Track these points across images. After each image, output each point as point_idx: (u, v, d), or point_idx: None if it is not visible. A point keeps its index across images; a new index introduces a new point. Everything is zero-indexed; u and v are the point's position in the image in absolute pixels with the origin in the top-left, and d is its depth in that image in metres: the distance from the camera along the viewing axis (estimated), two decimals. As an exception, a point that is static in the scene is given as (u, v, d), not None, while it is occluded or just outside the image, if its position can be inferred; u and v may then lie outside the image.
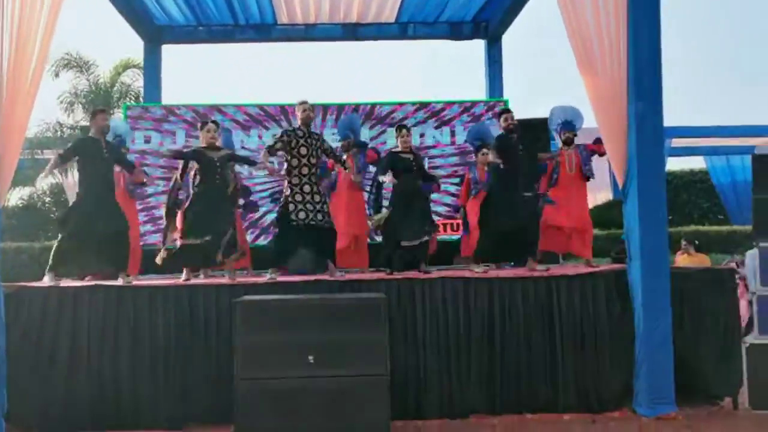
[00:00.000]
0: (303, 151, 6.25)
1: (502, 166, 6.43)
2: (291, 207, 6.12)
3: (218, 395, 5.03)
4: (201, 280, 6.08)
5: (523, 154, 6.43)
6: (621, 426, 5.01)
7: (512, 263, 7.20)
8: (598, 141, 6.98)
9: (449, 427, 5.09)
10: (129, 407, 5.13)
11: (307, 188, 6.19)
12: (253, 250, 7.95)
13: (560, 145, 7.23)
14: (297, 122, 6.44)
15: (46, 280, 5.67)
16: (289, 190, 6.21)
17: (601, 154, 7.04)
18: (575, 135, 7.17)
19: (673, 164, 17.26)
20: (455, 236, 8.76)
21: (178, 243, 6.11)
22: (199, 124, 6.57)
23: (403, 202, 6.47)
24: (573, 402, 5.30)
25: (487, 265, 6.29)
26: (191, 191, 6.35)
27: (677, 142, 12.69)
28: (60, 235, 5.90)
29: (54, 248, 5.87)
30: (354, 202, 7.38)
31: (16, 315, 5.16)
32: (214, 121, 6.49)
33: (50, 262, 5.80)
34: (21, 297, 5.24)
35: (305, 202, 6.14)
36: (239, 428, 4.39)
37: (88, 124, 10.24)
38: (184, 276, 5.96)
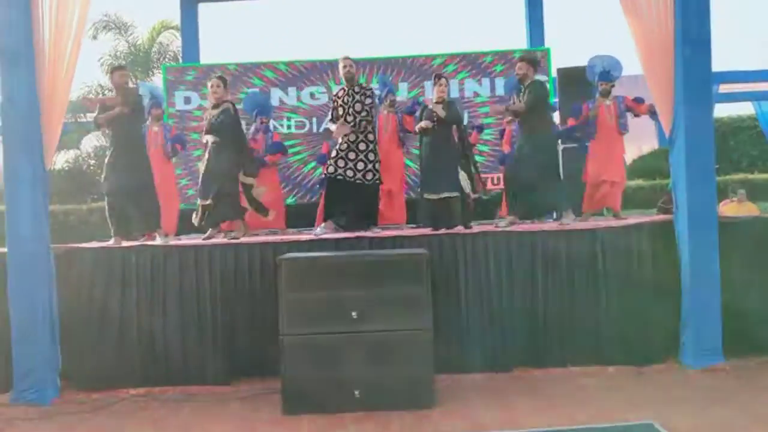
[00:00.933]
0: (340, 111, 6.33)
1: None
2: (330, 167, 6.24)
3: (265, 351, 5.13)
4: (245, 238, 6.14)
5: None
6: (667, 377, 4.97)
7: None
8: (637, 100, 6.84)
9: (493, 380, 5.11)
10: (178, 364, 5.26)
11: (344, 146, 6.25)
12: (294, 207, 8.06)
13: (597, 95, 7.07)
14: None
15: (111, 243, 5.89)
16: (332, 150, 6.30)
17: (637, 114, 6.92)
18: (613, 85, 7.00)
19: (721, 110, 16.81)
20: (497, 190, 8.68)
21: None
22: None
23: (431, 153, 6.28)
24: (618, 354, 5.26)
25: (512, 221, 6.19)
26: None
27: (724, 88, 12.27)
28: (105, 198, 6.10)
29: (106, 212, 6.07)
30: (390, 157, 7.38)
31: (67, 276, 5.28)
32: (220, 77, 6.41)
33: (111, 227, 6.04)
34: (71, 258, 5.37)
35: (338, 158, 6.22)
36: (286, 382, 4.47)
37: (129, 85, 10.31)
38: (205, 235, 6.06)
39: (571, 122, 7.12)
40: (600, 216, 7.47)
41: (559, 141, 7.27)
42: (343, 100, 6.32)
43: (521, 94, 6.19)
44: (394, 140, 7.57)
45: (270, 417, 4.48)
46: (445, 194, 6.07)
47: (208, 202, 6.08)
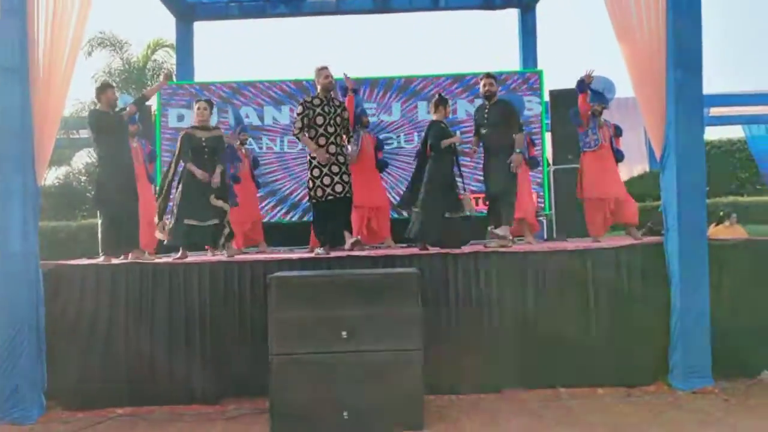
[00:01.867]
0: (319, 120, 6.28)
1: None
2: (310, 184, 6.28)
3: (254, 370, 5.09)
4: (236, 257, 6.12)
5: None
6: (656, 400, 4.96)
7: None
8: (617, 131, 6.95)
9: (482, 401, 5.09)
10: (165, 383, 5.21)
11: (323, 161, 6.24)
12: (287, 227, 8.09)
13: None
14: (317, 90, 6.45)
15: (100, 261, 5.89)
16: (309, 164, 6.31)
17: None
18: (604, 107, 7.05)
19: (711, 133, 16.93)
20: (485, 211, 8.70)
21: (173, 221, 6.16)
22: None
23: (446, 173, 6.33)
24: (607, 376, 5.25)
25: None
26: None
27: (715, 111, 12.38)
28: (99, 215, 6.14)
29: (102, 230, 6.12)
30: (374, 175, 7.49)
31: (55, 292, 5.24)
32: (207, 100, 6.53)
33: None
34: (59, 275, 5.33)
35: (322, 177, 6.23)
36: (275, 402, 4.44)
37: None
38: (179, 255, 6.06)
39: (581, 129, 7.09)
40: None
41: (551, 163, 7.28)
42: (322, 109, 6.29)
43: (485, 111, 6.38)
44: (373, 160, 7.63)
45: (258, 437, 4.45)
46: (464, 213, 6.27)
47: (197, 223, 6.05)
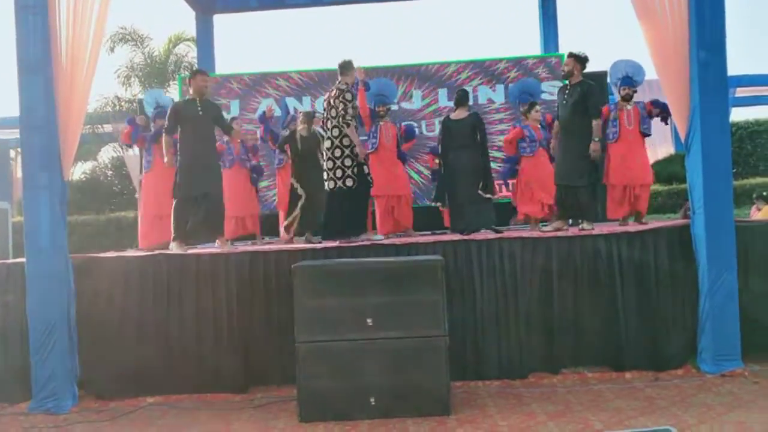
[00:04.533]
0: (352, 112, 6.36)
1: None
2: (324, 175, 6.43)
3: (281, 359, 5.16)
4: (260, 246, 6.18)
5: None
6: (685, 383, 4.93)
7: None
8: (655, 103, 6.83)
9: (509, 387, 5.09)
10: (194, 372, 5.29)
11: (337, 152, 6.33)
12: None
13: (618, 99, 7.05)
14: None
15: (173, 248, 5.89)
16: (341, 152, 6.36)
17: (652, 116, 6.90)
18: (635, 91, 6.98)
19: (737, 114, 16.68)
20: (509, 198, 8.70)
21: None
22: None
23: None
24: (635, 360, 5.24)
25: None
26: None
27: (741, 91, 12.21)
28: (174, 201, 6.07)
29: (173, 218, 6.05)
30: (396, 164, 7.50)
31: (85, 285, 5.34)
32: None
33: (173, 232, 6.01)
34: (89, 267, 5.42)
35: (335, 168, 6.31)
36: (301, 390, 4.48)
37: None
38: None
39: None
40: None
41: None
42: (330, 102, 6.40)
43: (565, 93, 6.21)
44: (394, 150, 7.58)
45: (286, 424, 4.49)
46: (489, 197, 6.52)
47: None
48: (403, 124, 8.39)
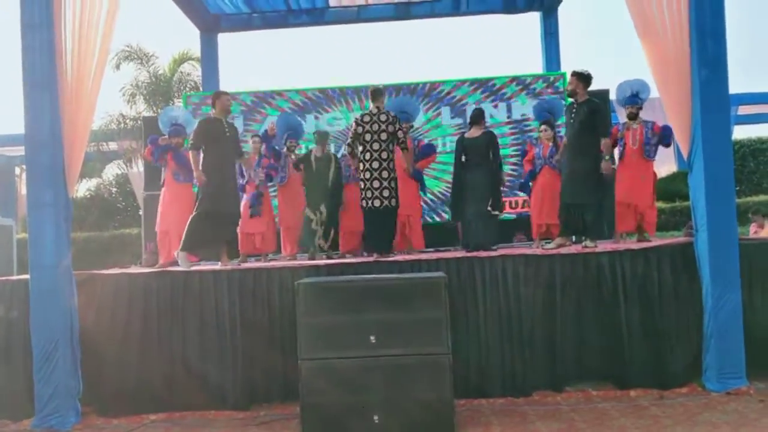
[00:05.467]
0: (367, 137, 6.55)
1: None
2: (360, 194, 6.60)
3: (284, 376, 5.16)
4: (263, 263, 6.20)
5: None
6: (690, 401, 4.90)
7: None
8: (664, 128, 6.83)
9: (513, 405, 5.07)
10: (198, 389, 5.28)
11: (367, 174, 6.53)
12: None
13: (623, 119, 7.10)
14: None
15: (179, 259, 5.96)
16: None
17: (660, 140, 6.92)
18: (639, 108, 7.02)
19: (740, 132, 16.70)
20: (513, 215, 8.74)
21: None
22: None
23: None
24: (639, 378, 5.21)
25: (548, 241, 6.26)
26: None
27: (744, 110, 12.23)
28: (194, 214, 6.14)
29: (187, 229, 6.10)
30: (407, 184, 7.43)
31: (88, 302, 5.34)
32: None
33: (183, 242, 6.07)
34: (92, 284, 5.43)
35: (366, 189, 6.51)
36: (305, 407, 4.47)
37: (150, 114, 10.44)
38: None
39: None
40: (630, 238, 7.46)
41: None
42: (370, 126, 6.56)
43: (572, 112, 6.22)
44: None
45: (289, 442, 4.48)
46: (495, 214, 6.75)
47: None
48: (422, 140, 8.39)
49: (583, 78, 6.19)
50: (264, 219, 7.55)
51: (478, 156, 6.75)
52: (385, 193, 6.53)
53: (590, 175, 6.00)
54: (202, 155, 6.18)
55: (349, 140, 6.80)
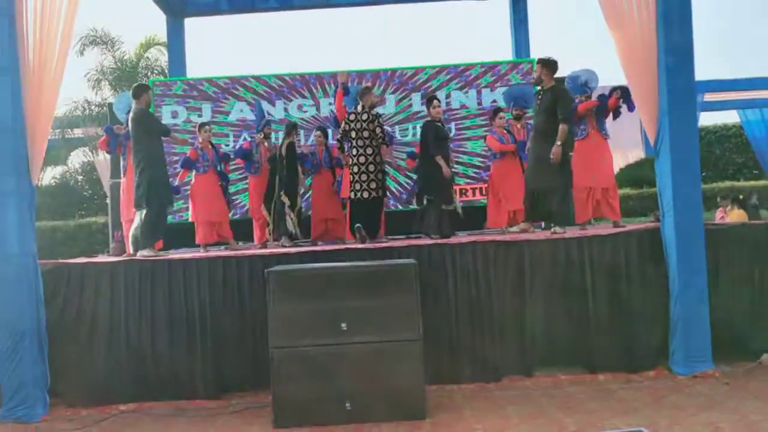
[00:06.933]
0: (352, 134, 6.90)
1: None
2: (350, 186, 6.98)
3: (255, 364, 5.13)
4: (233, 251, 6.16)
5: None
6: (657, 385, 4.99)
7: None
8: (600, 98, 6.93)
9: (484, 390, 5.11)
10: (168, 379, 5.24)
11: (355, 168, 6.85)
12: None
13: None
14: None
15: (145, 253, 6.00)
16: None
17: (610, 110, 6.98)
18: (588, 97, 7.11)
19: (706, 119, 16.97)
20: (483, 200, 8.76)
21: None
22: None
23: (441, 168, 6.65)
24: (607, 362, 5.29)
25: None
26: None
27: (710, 97, 12.39)
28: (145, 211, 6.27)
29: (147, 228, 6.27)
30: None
31: (55, 291, 5.27)
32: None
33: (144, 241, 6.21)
34: (58, 273, 5.34)
35: (354, 182, 6.84)
36: (276, 395, 4.46)
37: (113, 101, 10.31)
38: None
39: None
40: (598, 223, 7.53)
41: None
42: (354, 124, 6.90)
43: (538, 99, 6.26)
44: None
45: (261, 431, 4.46)
46: (459, 205, 6.76)
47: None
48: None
49: (549, 64, 6.21)
50: (223, 207, 7.58)
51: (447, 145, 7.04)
52: (372, 185, 6.85)
53: (551, 161, 6.02)
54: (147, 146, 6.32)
55: (338, 136, 7.29)
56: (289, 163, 7.43)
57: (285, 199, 7.34)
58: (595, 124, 6.99)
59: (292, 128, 7.73)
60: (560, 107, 6.02)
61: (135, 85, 6.71)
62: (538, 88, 6.33)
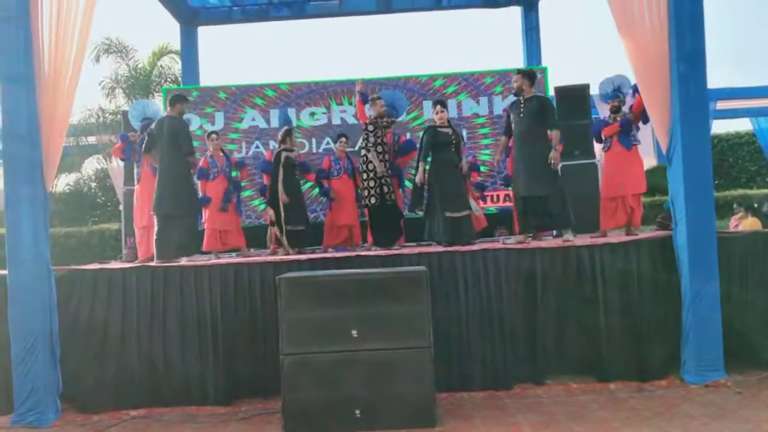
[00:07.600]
0: (371, 141, 6.94)
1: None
2: (364, 192, 7.08)
3: (265, 371, 5.15)
4: (244, 258, 6.18)
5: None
6: (669, 394, 4.96)
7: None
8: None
9: (494, 398, 5.10)
10: (178, 385, 5.26)
11: (364, 176, 6.92)
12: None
13: (603, 116, 7.13)
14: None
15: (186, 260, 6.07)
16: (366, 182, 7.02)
17: (638, 117, 6.89)
18: (622, 102, 7.03)
19: (719, 127, 16.87)
20: (492, 208, 8.77)
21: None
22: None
23: (443, 174, 6.53)
24: (619, 370, 5.26)
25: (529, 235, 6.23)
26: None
27: (722, 105, 12.33)
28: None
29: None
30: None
31: (68, 297, 5.30)
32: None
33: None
34: (72, 279, 5.38)
35: (365, 188, 6.98)
36: (287, 402, 4.46)
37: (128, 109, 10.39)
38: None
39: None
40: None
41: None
42: (369, 134, 7.00)
43: (520, 108, 6.23)
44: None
45: (271, 437, 4.48)
46: (465, 212, 6.49)
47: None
48: (402, 135, 8.37)
49: (528, 75, 6.36)
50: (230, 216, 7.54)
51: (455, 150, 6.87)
52: (384, 189, 6.89)
53: (547, 165, 6.00)
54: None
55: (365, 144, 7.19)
56: (275, 174, 7.38)
57: (271, 213, 7.38)
58: (617, 140, 6.90)
59: (285, 135, 7.61)
60: (549, 115, 6.16)
61: (173, 94, 6.77)
62: (517, 98, 6.35)
